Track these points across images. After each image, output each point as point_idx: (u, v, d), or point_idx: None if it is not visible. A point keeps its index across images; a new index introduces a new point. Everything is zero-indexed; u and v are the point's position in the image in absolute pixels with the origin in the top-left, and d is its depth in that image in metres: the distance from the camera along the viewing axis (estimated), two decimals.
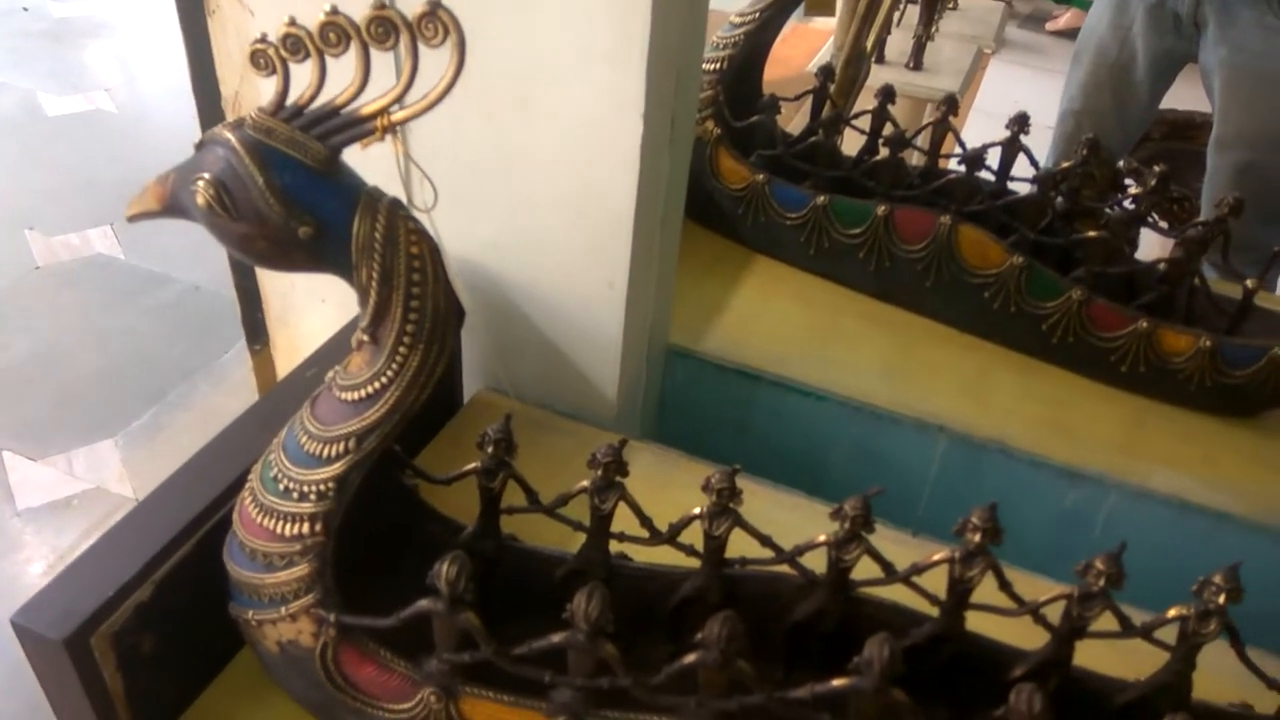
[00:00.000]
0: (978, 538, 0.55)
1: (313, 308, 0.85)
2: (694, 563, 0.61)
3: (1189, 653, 0.56)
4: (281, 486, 0.51)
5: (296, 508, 0.50)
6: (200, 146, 0.43)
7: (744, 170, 1.05)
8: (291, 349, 0.93)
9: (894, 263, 1.01)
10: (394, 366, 0.46)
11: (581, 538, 0.63)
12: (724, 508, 0.57)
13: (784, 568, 0.60)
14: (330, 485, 0.49)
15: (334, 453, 0.49)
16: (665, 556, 0.63)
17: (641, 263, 0.77)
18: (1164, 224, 0.99)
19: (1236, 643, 0.55)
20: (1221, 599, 0.53)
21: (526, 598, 0.63)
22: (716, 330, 1.01)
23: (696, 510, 0.59)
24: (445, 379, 0.85)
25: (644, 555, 0.64)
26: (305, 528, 0.50)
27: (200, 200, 0.42)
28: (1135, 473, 0.87)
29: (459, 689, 0.54)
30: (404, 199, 0.46)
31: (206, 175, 0.42)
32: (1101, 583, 0.54)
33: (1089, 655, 0.59)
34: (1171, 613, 0.55)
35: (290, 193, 0.42)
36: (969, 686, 0.60)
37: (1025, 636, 0.60)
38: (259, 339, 0.90)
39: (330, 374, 0.50)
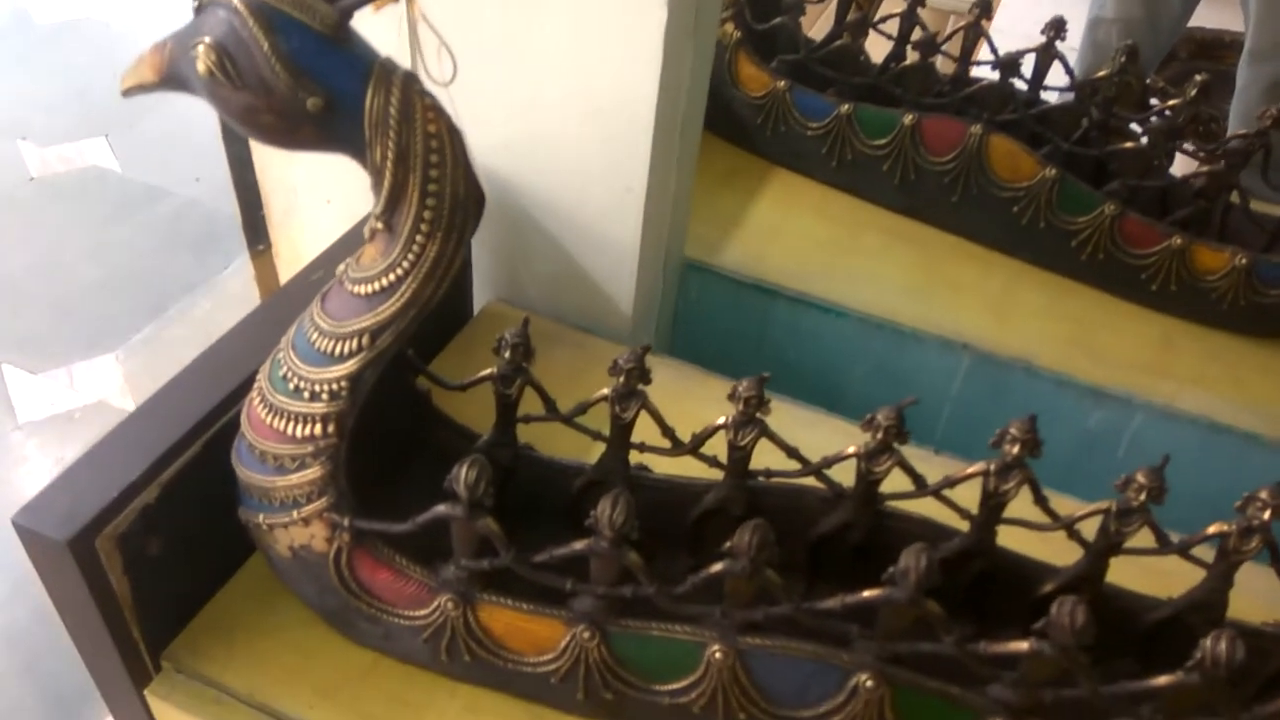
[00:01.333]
0: (1015, 449, 0.53)
1: (317, 210, 0.81)
2: (716, 475, 0.60)
3: (1228, 570, 0.54)
4: (292, 386, 0.49)
5: (308, 408, 0.48)
6: (200, 10, 0.39)
7: (764, 77, 1.01)
8: (295, 256, 0.90)
9: (920, 175, 0.97)
10: (410, 257, 0.43)
11: (599, 449, 0.61)
12: (750, 417, 0.55)
13: (810, 481, 0.58)
14: (343, 384, 0.47)
15: (346, 350, 0.46)
16: (686, 470, 0.61)
17: (661, 165, 0.74)
18: (1192, 146, 0.95)
19: (1277, 561, 0.53)
20: (1267, 515, 0.51)
21: (542, 509, 0.61)
22: (733, 244, 0.98)
23: (721, 420, 0.57)
24: (456, 286, 0.82)
25: (664, 467, 0.62)
26: (317, 429, 0.48)
27: (201, 67, 0.39)
28: (1162, 393, 0.85)
29: (477, 596, 0.52)
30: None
31: (207, 39, 0.38)
32: (1142, 497, 0.52)
33: (1118, 576, 0.58)
34: (1212, 529, 0.54)
35: (297, 59, 0.39)
36: (996, 604, 0.59)
37: (1054, 556, 0.59)
38: (261, 240, 0.86)
39: (341, 267, 0.47)
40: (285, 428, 0.49)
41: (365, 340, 0.46)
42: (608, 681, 0.53)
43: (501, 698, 0.57)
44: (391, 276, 0.44)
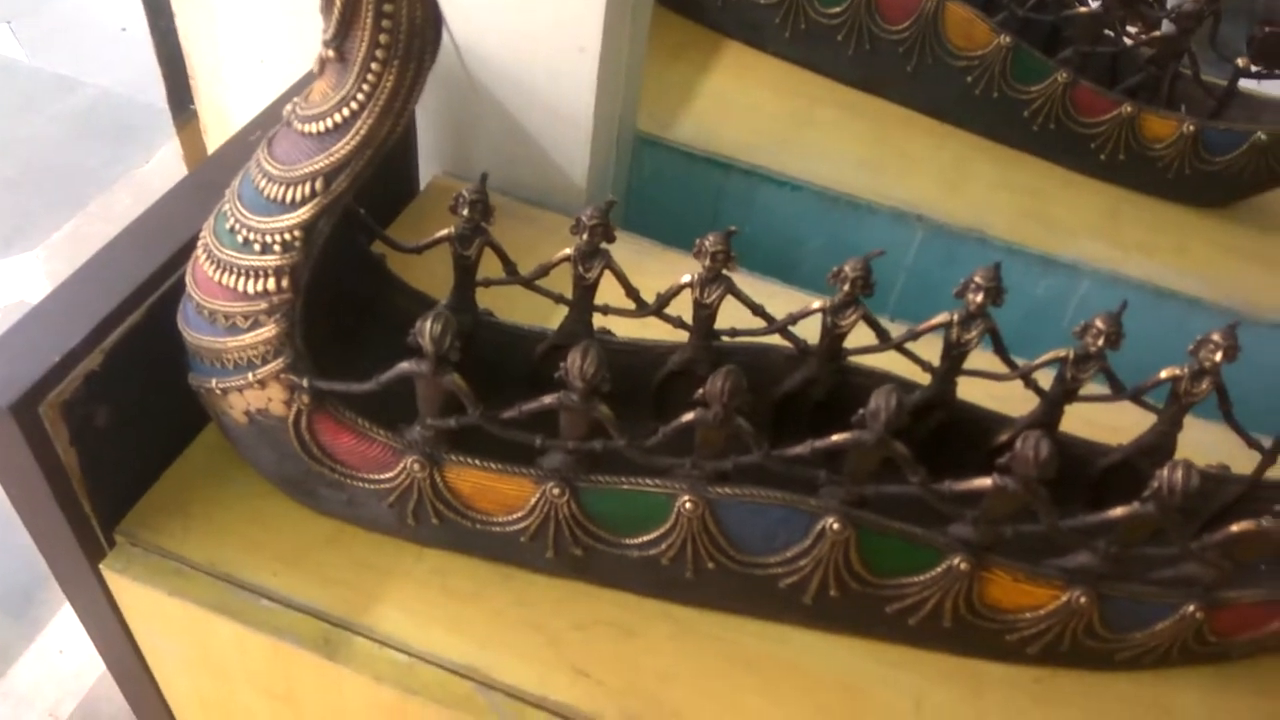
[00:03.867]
0: (979, 298, 0.53)
1: (249, 71, 0.76)
2: (680, 337, 0.59)
3: (1178, 414, 0.56)
4: (240, 239, 0.46)
5: (259, 261, 0.46)
6: None
7: None
8: (226, 129, 0.85)
9: (875, 45, 0.96)
10: (365, 88, 0.41)
11: (561, 315, 0.60)
12: (717, 273, 0.55)
13: (774, 340, 0.58)
14: (296, 235, 0.44)
15: (299, 196, 0.44)
16: (649, 334, 0.61)
17: (615, 23, 0.71)
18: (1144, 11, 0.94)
19: (1224, 402, 0.55)
20: (1219, 356, 0.52)
21: (503, 377, 0.60)
22: (686, 118, 0.95)
23: (687, 277, 0.56)
24: (401, 158, 0.79)
25: (627, 332, 0.61)
26: (270, 283, 0.46)
27: None
28: (1109, 260, 0.86)
29: (443, 457, 0.52)
30: None
31: None
32: (1100, 342, 0.53)
33: (1070, 429, 0.59)
34: (1164, 374, 0.55)
35: None
36: (954, 456, 0.60)
37: (1010, 411, 0.60)
38: (185, 105, 0.80)
39: (289, 107, 0.44)
40: (235, 284, 0.47)
41: (318, 185, 0.43)
42: (577, 538, 0.53)
43: (469, 559, 0.57)
44: (345, 111, 0.41)
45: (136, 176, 1.87)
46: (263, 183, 0.45)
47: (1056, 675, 0.57)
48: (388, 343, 0.56)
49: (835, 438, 0.47)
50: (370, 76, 0.40)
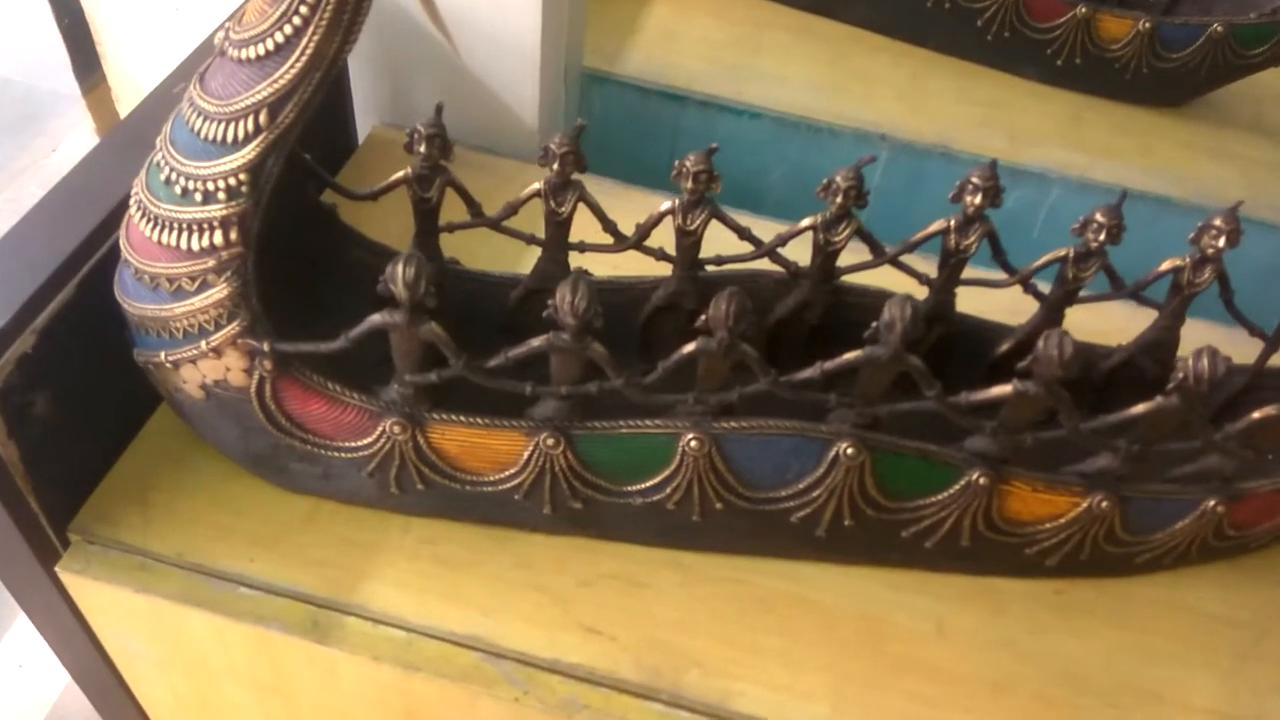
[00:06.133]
0: (978, 199, 0.50)
1: (162, 22, 0.69)
2: (662, 270, 0.56)
3: (1180, 307, 0.54)
4: (178, 189, 0.41)
5: (202, 212, 0.41)
6: None
7: None
8: (140, 92, 0.78)
9: None
10: (308, 1, 0.36)
11: (532, 259, 0.56)
12: (700, 196, 0.51)
13: (763, 265, 0.55)
14: (242, 178, 0.40)
15: (241, 133, 0.39)
16: (629, 271, 0.57)
17: None
18: None
19: (1226, 290, 0.53)
20: (1221, 242, 0.51)
21: (476, 329, 0.56)
22: (633, 52, 0.91)
23: (666, 205, 0.52)
24: (335, 110, 0.73)
25: (604, 271, 0.58)
26: (217, 237, 0.41)
27: None
28: (1076, 165, 0.85)
29: (425, 416, 0.48)
30: None
31: None
32: (1101, 237, 0.51)
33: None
34: (1165, 265, 0.54)
35: None
36: (954, 372, 0.58)
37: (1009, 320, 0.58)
38: (92, 70, 0.73)
39: (220, 35, 0.39)
40: (177, 242, 0.42)
41: (262, 118, 0.38)
42: (575, 490, 0.50)
43: (459, 526, 0.54)
44: (287, 29, 0.36)
45: (45, 166, 1.76)
46: (198, 122, 0.40)
47: (1076, 585, 0.55)
48: (350, 300, 0.51)
49: (848, 355, 0.44)
50: None
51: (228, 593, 0.51)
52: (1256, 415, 0.47)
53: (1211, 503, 0.50)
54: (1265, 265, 0.78)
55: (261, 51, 0.37)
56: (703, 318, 0.43)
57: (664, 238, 0.54)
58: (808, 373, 0.46)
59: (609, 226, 0.53)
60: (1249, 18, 0.84)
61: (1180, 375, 0.44)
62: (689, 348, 0.44)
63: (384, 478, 0.50)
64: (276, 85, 0.37)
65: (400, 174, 0.51)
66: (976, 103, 0.90)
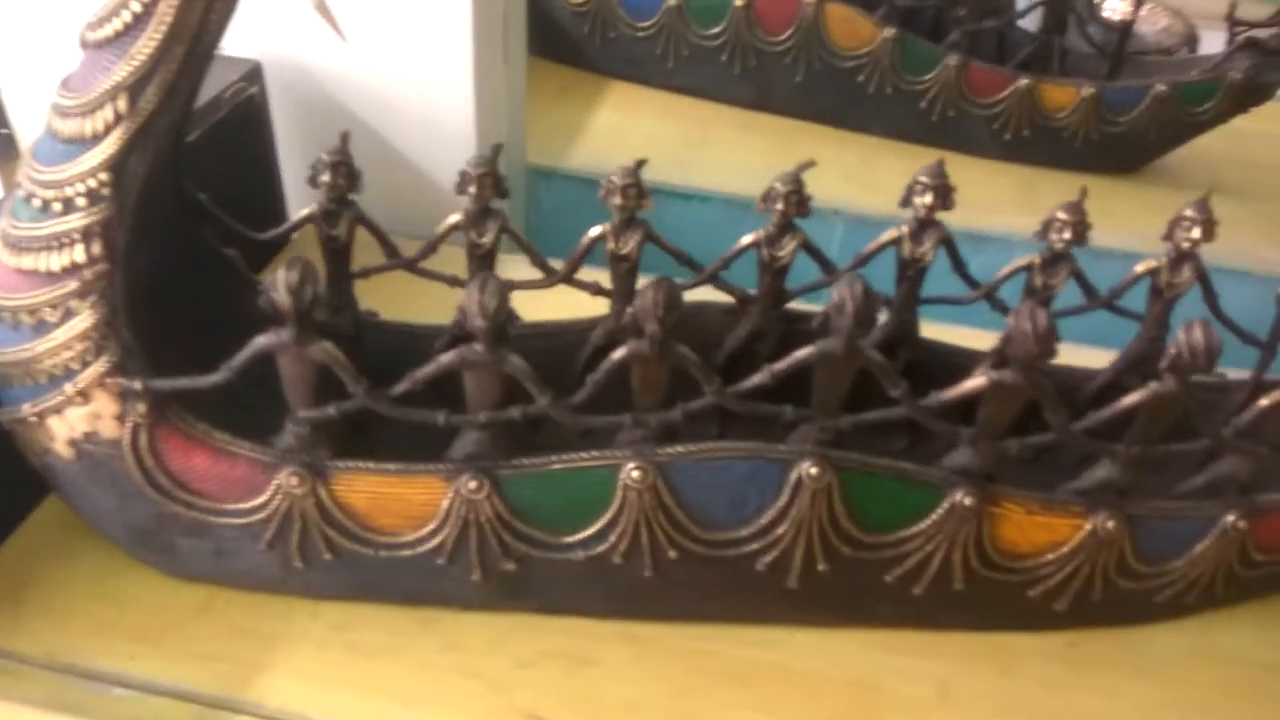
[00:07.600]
0: (928, 199, 0.47)
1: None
2: (599, 307, 0.51)
3: (1162, 313, 0.50)
4: (38, 204, 0.37)
5: (61, 224, 0.36)
6: None
7: None
8: None
9: (760, 60, 0.93)
10: None
11: (455, 302, 0.51)
12: (631, 216, 0.47)
13: (707, 296, 0.51)
14: (102, 178, 0.35)
15: (101, 125, 0.35)
16: (563, 313, 0.53)
17: (486, 42, 0.66)
18: None
19: (1209, 294, 0.49)
20: (1195, 233, 0.47)
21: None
22: (580, 149, 0.91)
23: (596, 230, 0.49)
24: (267, 203, 0.71)
25: (536, 316, 0.53)
26: (79, 252, 0.37)
27: None
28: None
29: (327, 465, 0.42)
30: None
31: None
32: (1067, 236, 0.47)
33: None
34: (1140, 268, 0.50)
35: None
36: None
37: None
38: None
39: (82, 29, 0.36)
40: (36, 264, 0.37)
41: (121, 104, 0.34)
42: (506, 545, 0.43)
43: (378, 608, 0.47)
44: (136, 4, 0.33)
45: None
46: (58, 123, 0.36)
47: (1091, 637, 0.48)
48: None
49: (799, 353, 0.39)
50: None
51: (100, 695, 0.43)
52: (1264, 402, 0.42)
53: (1230, 518, 0.44)
54: (1238, 311, 0.75)
55: (119, 26, 0.34)
56: (629, 311, 0.38)
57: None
58: (757, 378, 0.40)
59: (537, 260, 0.49)
60: (1191, 75, 0.85)
61: (1173, 351, 0.39)
62: (619, 353, 0.39)
63: (285, 548, 0.44)
64: (134, 63, 0.34)
65: (305, 211, 0.47)
66: None
